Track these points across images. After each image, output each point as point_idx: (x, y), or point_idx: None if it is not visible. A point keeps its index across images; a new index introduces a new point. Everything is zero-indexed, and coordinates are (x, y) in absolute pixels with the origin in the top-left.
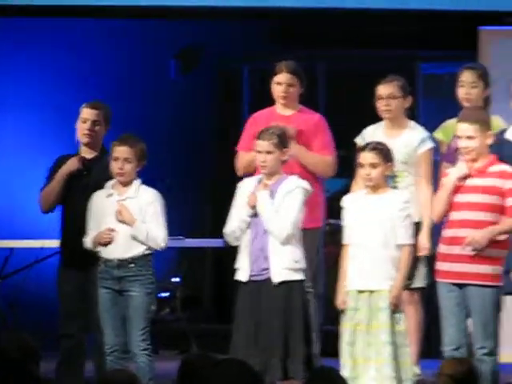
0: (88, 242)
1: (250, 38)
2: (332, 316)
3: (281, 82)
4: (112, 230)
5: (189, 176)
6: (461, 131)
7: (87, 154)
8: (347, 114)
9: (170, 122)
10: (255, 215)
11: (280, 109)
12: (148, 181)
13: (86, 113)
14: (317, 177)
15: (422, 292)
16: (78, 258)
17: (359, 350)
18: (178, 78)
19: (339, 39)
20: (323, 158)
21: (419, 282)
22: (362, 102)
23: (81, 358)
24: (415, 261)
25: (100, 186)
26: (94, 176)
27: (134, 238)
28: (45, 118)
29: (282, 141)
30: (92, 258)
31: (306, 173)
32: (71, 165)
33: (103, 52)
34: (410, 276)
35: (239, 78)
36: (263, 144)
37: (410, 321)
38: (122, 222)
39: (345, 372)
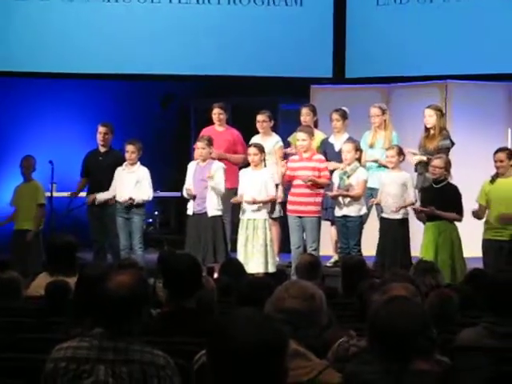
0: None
1: (196, 89)
2: (235, 232)
3: (215, 113)
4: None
5: (165, 161)
6: (299, 136)
7: (102, 149)
8: (243, 129)
9: (154, 134)
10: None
11: (217, 127)
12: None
13: (101, 128)
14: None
15: (279, 219)
16: (97, 205)
17: (249, 248)
18: (160, 111)
19: (234, 91)
20: (240, 157)
21: (276, 214)
22: (250, 124)
23: (104, 252)
24: (274, 205)
25: (112, 166)
26: (106, 161)
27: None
28: (87, 131)
29: (210, 143)
30: (105, 203)
31: (230, 163)
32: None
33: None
34: (272, 211)
35: (189, 111)
36: (200, 144)
37: (274, 234)
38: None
39: (240, 258)
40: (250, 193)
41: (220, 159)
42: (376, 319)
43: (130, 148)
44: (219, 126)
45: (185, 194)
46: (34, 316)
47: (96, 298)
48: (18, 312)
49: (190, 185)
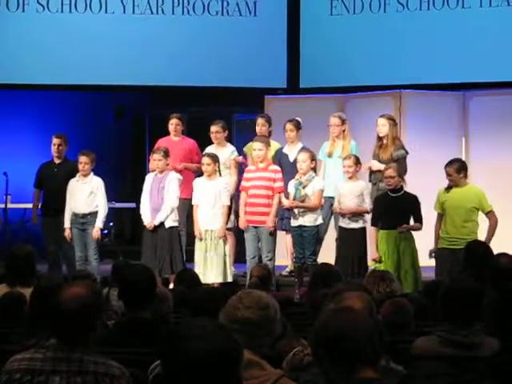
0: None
1: (150, 100)
2: (191, 243)
3: (172, 123)
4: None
5: (119, 172)
6: (255, 146)
7: (57, 160)
8: (197, 140)
9: (109, 145)
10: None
11: (172, 137)
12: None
13: (55, 139)
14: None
15: (233, 229)
16: (52, 213)
17: (208, 259)
18: (115, 122)
19: (189, 101)
20: (197, 166)
21: (230, 224)
22: (205, 134)
23: (59, 263)
24: (228, 215)
25: (67, 177)
26: (61, 172)
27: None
28: (42, 143)
29: (166, 154)
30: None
31: (188, 171)
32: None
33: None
34: (226, 221)
35: (144, 122)
36: (157, 156)
37: (229, 244)
38: None
39: (198, 269)
40: (204, 203)
41: (179, 170)
42: (321, 328)
43: (83, 159)
44: (175, 136)
45: (143, 220)
46: None
47: (50, 310)
48: None
49: (149, 223)
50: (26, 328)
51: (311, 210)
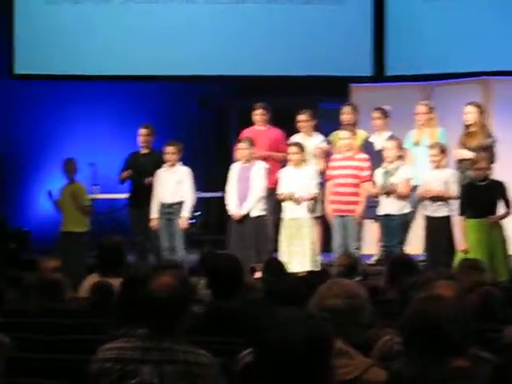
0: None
1: (235, 90)
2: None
3: (258, 113)
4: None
5: (205, 161)
6: (341, 135)
7: (144, 150)
8: (286, 129)
9: (194, 135)
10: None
11: (257, 126)
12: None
13: (141, 131)
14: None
15: (319, 218)
16: (139, 204)
17: (291, 247)
18: (200, 112)
19: (273, 90)
20: (283, 155)
21: (317, 214)
22: (290, 124)
23: (146, 253)
24: (315, 204)
25: (154, 167)
26: (147, 162)
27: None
28: (128, 134)
29: (251, 144)
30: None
31: (273, 161)
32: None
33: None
34: (312, 210)
35: (229, 112)
36: (244, 145)
37: (317, 234)
38: None
39: (283, 257)
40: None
41: (264, 159)
42: (414, 317)
43: (169, 149)
44: (260, 126)
45: (229, 210)
46: (78, 317)
47: (140, 299)
48: (62, 313)
49: (236, 214)
50: (116, 318)
51: (399, 198)
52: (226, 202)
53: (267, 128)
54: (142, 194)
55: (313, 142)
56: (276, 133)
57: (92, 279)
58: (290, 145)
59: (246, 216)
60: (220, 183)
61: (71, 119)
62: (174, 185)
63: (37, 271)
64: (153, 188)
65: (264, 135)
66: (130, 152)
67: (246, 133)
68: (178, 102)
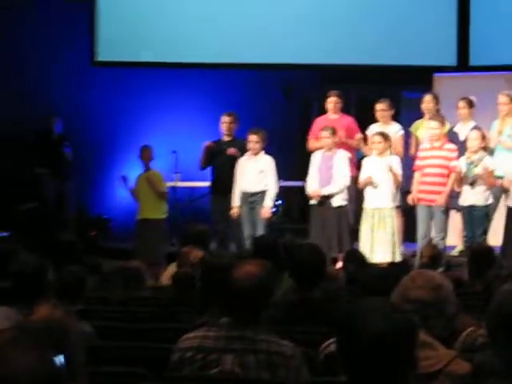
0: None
1: (318, 79)
2: (358, 221)
3: (331, 101)
4: None
5: (287, 151)
6: (431, 124)
7: (226, 138)
8: (365, 118)
9: (277, 123)
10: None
11: (330, 115)
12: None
13: (224, 118)
14: (353, 149)
15: (401, 208)
16: (220, 191)
17: (375, 236)
18: (283, 100)
19: (361, 79)
20: (357, 143)
21: (398, 203)
22: (371, 112)
23: (227, 241)
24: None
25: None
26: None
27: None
28: (210, 121)
29: (334, 133)
30: (230, 190)
31: (349, 148)
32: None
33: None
34: (395, 200)
35: (312, 100)
36: (326, 133)
37: (398, 224)
38: None
39: (365, 247)
40: (377, 178)
41: (339, 147)
42: (500, 309)
43: (253, 138)
44: (333, 114)
45: (309, 190)
46: (160, 306)
47: (223, 288)
48: (143, 302)
49: (315, 191)
50: (198, 307)
51: (485, 189)
52: (308, 190)
53: (340, 116)
54: (224, 181)
55: (390, 130)
56: (349, 120)
57: (173, 268)
58: (374, 134)
59: (328, 205)
60: (302, 172)
61: (154, 107)
62: (257, 174)
63: (177, 262)
64: (235, 171)
65: (337, 124)
66: (212, 139)
67: (320, 121)
68: (262, 90)
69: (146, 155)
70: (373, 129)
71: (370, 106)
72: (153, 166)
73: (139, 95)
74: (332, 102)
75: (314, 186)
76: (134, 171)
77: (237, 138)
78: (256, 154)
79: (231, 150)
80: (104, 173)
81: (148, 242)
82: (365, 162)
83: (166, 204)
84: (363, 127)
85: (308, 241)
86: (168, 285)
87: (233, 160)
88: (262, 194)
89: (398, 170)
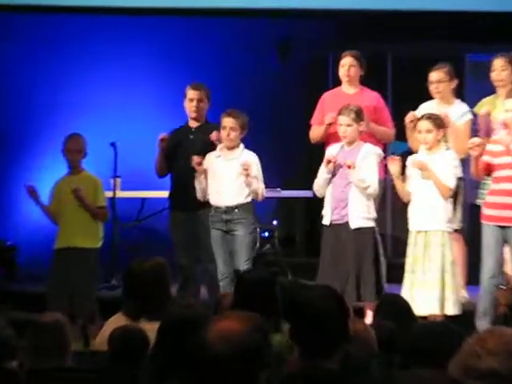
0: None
1: (334, 32)
2: (398, 251)
3: (344, 64)
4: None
5: (285, 142)
6: (505, 105)
7: (192, 124)
8: (409, 94)
9: (268, 101)
10: (332, 174)
11: (345, 88)
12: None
13: (191, 93)
14: (381, 142)
15: (462, 231)
16: (184, 205)
17: (418, 277)
18: (276, 66)
19: (402, 33)
20: (387, 131)
21: (457, 224)
22: (420, 83)
23: (194, 284)
24: (453, 209)
25: (204, 148)
26: (199, 140)
27: (248, 186)
28: (169, 98)
29: (359, 116)
30: (196, 204)
31: (375, 140)
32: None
33: (213, 46)
34: (450, 220)
35: (326, 64)
36: (344, 119)
37: (456, 254)
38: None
39: (405, 294)
40: (421, 190)
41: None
42: None
43: (228, 122)
44: (349, 86)
45: (316, 192)
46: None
47: (188, 354)
48: (69, 375)
49: (323, 178)
50: (149, 375)
51: None
52: (315, 189)
53: (359, 89)
54: (189, 189)
55: (452, 112)
56: (372, 97)
57: (115, 322)
58: (420, 118)
59: (346, 227)
60: (307, 177)
61: (80, 75)
62: (234, 179)
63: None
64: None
65: (354, 101)
66: (173, 127)
67: (328, 98)
68: (247, 51)
69: (73, 149)
70: (426, 109)
71: (414, 74)
72: (85, 167)
73: (56, 54)
74: (346, 64)
75: (327, 207)
76: (50, 175)
77: (209, 122)
78: (232, 147)
79: (214, 135)
80: (3, 178)
81: (73, 283)
82: (408, 163)
83: (102, 226)
84: (402, 109)
85: (318, 281)
86: (104, 350)
87: (205, 154)
88: (243, 209)
89: (453, 171)
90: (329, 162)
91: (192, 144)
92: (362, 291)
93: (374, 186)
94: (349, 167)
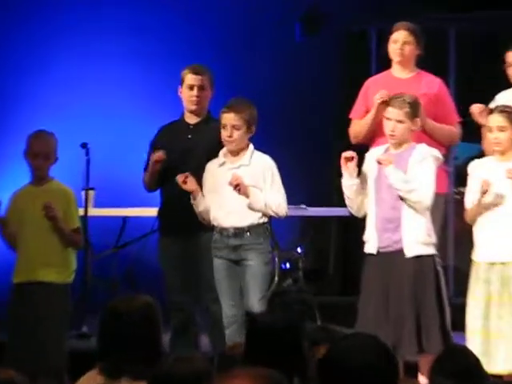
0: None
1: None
2: (462, 288)
3: (397, 40)
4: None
5: (311, 141)
6: None
7: (191, 119)
8: (477, 77)
9: (292, 84)
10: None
11: (397, 71)
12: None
13: (191, 79)
14: (442, 144)
15: None
16: (178, 228)
17: (492, 323)
18: (302, 40)
19: (467, 1)
20: (449, 129)
21: None
22: (491, 64)
23: (193, 331)
24: None
25: (208, 152)
26: (200, 140)
27: (251, 209)
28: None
29: (414, 110)
30: (195, 226)
31: (433, 140)
32: (157, 156)
33: (225, 13)
34: None
35: (366, 39)
36: (394, 112)
37: None
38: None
39: (473, 347)
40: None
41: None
42: None
43: (228, 119)
44: (402, 68)
45: (350, 209)
46: None
47: None
48: None
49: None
50: None
51: None
52: (366, 236)
53: (415, 74)
54: (185, 207)
55: None
56: (432, 83)
57: (88, 383)
58: (493, 111)
59: (399, 255)
60: (339, 192)
61: (43, 59)
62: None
63: None
64: (203, 186)
65: (406, 87)
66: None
67: (374, 84)
68: (262, 22)
69: (40, 151)
70: (507, 100)
71: (485, 57)
72: (55, 175)
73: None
74: (398, 40)
75: (370, 229)
76: (7, 185)
77: (212, 117)
78: (238, 151)
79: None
80: None
81: (37, 329)
82: (472, 169)
83: (75, 254)
84: (468, 99)
85: (358, 328)
86: None
87: (206, 158)
88: (256, 232)
89: None
90: (347, 159)
91: (192, 147)
92: (424, 341)
93: (421, 193)
94: (379, 163)
